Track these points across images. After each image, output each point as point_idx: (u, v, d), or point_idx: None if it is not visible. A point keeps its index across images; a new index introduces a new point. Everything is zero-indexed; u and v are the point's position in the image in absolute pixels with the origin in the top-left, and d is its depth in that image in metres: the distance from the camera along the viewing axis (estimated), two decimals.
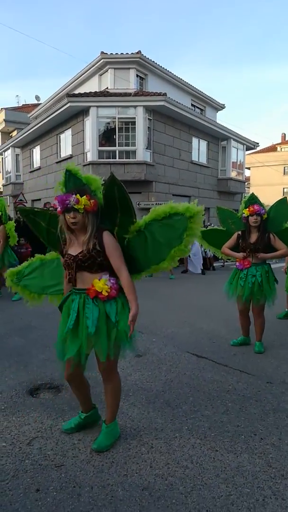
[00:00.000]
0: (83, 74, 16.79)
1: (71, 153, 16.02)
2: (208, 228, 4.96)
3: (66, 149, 16.56)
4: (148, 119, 14.75)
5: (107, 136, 14.73)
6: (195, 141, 17.67)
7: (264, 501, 1.94)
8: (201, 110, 20.16)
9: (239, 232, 4.12)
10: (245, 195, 29.25)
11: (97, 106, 14.28)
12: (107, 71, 15.69)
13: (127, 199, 2.24)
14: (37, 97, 27.49)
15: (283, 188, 40.95)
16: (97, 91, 15.67)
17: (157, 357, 3.97)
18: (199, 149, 18.05)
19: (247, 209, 3.94)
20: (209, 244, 4.63)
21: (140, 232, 2.32)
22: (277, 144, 44.13)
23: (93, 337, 2.20)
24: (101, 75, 16.28)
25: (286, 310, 5.71)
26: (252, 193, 4.23)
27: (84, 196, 2.16)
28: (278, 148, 43.42)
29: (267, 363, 3.83)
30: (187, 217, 2.18)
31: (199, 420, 2.72)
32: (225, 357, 3.97)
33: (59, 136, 16.93)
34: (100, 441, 2.39)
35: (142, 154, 14.40)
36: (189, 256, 11.15)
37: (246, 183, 24.93)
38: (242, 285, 4.02)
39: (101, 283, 2.20)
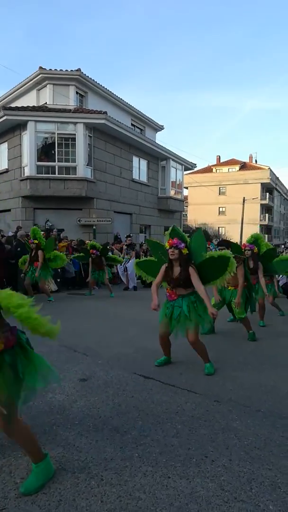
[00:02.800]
0: (20, 87, 16.42)
1: (7, 167, 15.51)
2: (141, 259, 5.09)
3: (1, 162, 16.01)
4: (89, 136, 14.75)
5: (46, 151, 14.46)
6: (135, 159, 17.98)
7: None
8: (141, 130, 20.61)
9: (166, 264, 4.12)
10: (184, 213, 30.10)
11: (35, 121, 14.02)
12: (45, 86, 15.49)
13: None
14: None
15: (219, 207, 43.04)
16: (35, 105, 15.41)
17: (103, 380, 3.84)
18: (139, 168, 18.39)
19: (167, 242, 4.00)
20: (145, 273, 4.79)
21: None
22: (213, 165, 46.42)
23: None
24: (39, 90, 16.04)
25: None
26: (174, 225, 4.30)
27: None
28: (214, 170, 45.68)
29: (213, 381, 3.86)
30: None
31: (149, 446, 2.63)
32: (172, 377, 3.94)
33: None
34: (28, 482, 2.17)
35: (83, 170, 14.32)
36: (126, 272, 11.58)
37: (184, 201, 25.75)
38: (168, 315, 4.03)
39: None
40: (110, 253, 10.97)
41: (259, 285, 6.19)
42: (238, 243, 9.76)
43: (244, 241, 7.28)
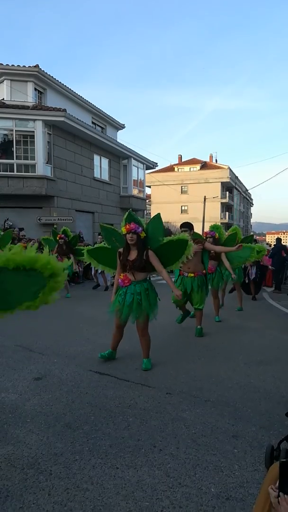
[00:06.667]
0: None
1: None
2: (93, 247, 4.82)
3: None
4: (48, 133, 14.54)
5: (3, 149, 14.12)
6: (96, 158, 17.90)
7: None
8: (102, 128, 20.55)
9: (120, 250, 4.17)
10: (147, 212, 30.17)
11: None
12: (2, 82, 15.12)
13: None
14: None
15: (181, 206, 43.59)
16: None
17: (58, 378, 3.84)
18: (101, 166, 18.32)
19: (124, 227, 4.02)
20: (99, 262, 4.61)
21: None
22: (175, 164, 46.95)
23: None
24: None
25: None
26: (130, 210, 4.30)
27: None
28: (176, 169, 46.21)
29: (166, 374, 3.97)
30: (45, 275, 1.90)
31: (100, 439, 2.69)
32: (127, 372, 4.01)
33: None
34: None
35: (42, 168, 14.10)
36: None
37: (147, 200, 25.93)
38: (120, 302, 4.08)
39: None
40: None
41: (216, 275, 6.57)
42: None
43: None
